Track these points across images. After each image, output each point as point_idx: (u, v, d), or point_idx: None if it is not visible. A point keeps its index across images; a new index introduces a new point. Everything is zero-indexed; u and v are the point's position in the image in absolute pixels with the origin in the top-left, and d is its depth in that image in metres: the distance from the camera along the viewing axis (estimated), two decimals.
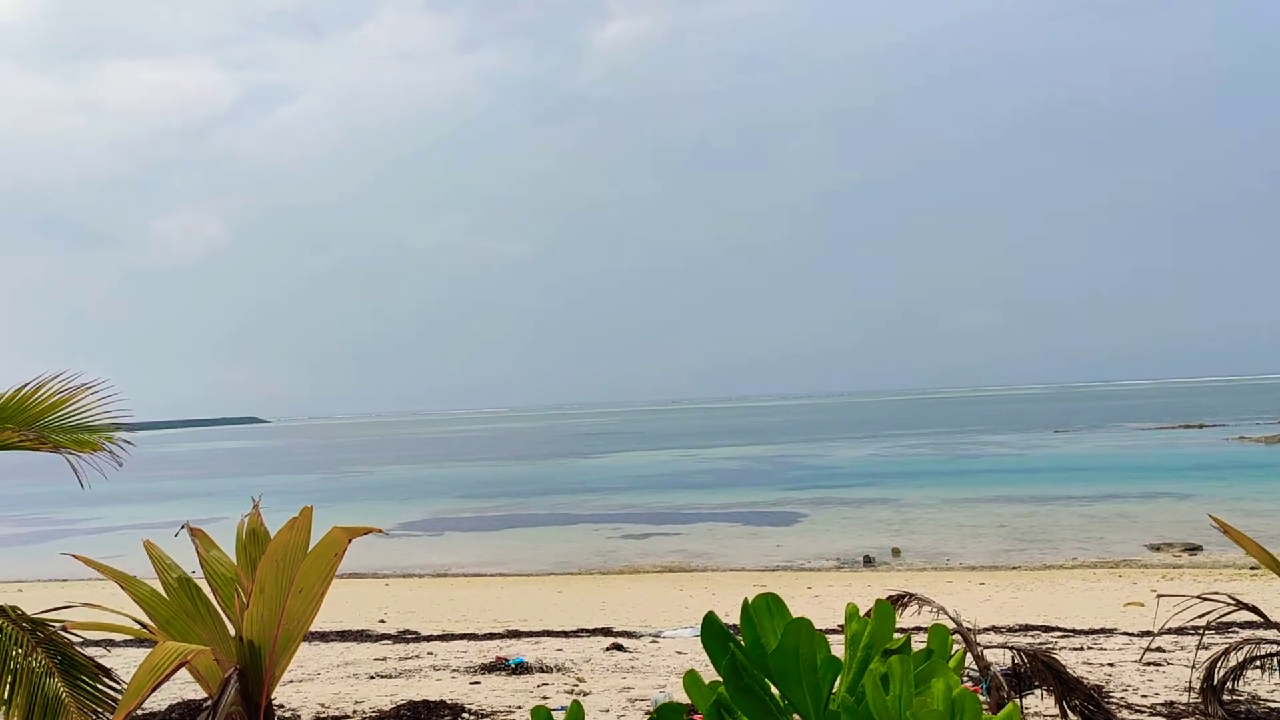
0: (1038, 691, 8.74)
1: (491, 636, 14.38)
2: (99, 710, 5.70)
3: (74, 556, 4.67)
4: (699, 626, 2.80)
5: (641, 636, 14.12)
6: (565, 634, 14.34)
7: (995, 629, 13.35)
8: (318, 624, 15.46)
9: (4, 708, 5.37)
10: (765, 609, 2.54)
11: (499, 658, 11.92)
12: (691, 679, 2.81)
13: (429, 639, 14.37)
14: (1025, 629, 13.65)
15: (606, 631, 14.59)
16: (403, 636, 14.74)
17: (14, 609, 5.93)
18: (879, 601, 2.59)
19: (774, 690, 2.49)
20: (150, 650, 3.78)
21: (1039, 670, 8.64)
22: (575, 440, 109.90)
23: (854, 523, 31.80)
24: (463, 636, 14.47)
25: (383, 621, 16.67)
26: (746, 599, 2.49)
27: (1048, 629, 13.69)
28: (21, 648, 5.69)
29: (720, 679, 2.72)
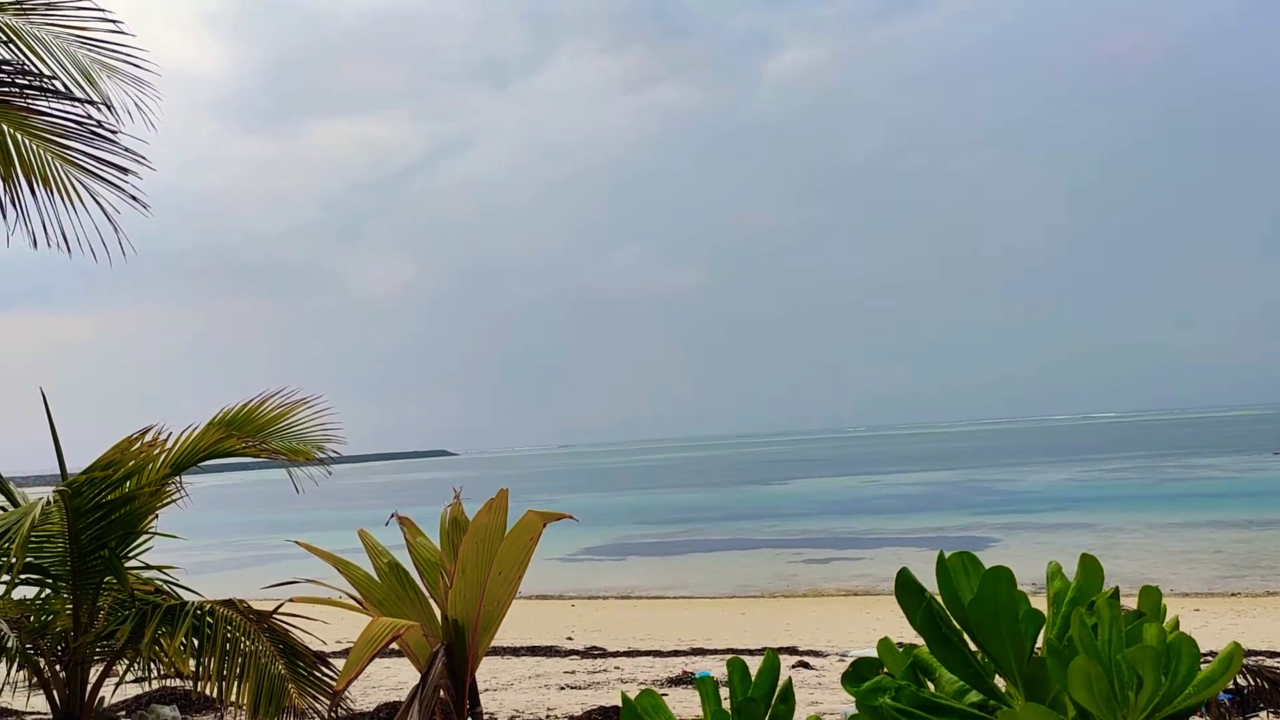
0: (1263, 714, 8.09)
1: (677, 654, 14.47)
2: (315, 695, 6.12)
3: (297, 543, 5.06)
4: None
5: (828, 655, 13.89)
6: (750, 652, 14.25)
7: (1213, 654, 12.40)
8: (509, 640, 15.99)
9: (236, 686, 5.84)
10: (961, 566, 2.49)
11: (685, 672, 11.99)
12: (885, 644, 2.78)
13: (615, 654, 14.60)
14: (1248, 654, 12.62)
15: (792, 650, 14.42)
16: (589, 652, 15.03)
17: (241, 601, 6.46)
18: (1084, 555, 2.50)
19: (972, 648, 2.44)
20: (367, 624, 4.06)
21: (1264, 690, 7.99)
22: (751, 467, 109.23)
23: (1050, 547, 30.19)
24: (648, 653, 14.63)
25: (570, 639, 17.05)
26: (942, 552, 2.46)
27: (1273, 654, 12.62)
28: (248, 636, 6.19)
29: (912, 642, 2.68)
